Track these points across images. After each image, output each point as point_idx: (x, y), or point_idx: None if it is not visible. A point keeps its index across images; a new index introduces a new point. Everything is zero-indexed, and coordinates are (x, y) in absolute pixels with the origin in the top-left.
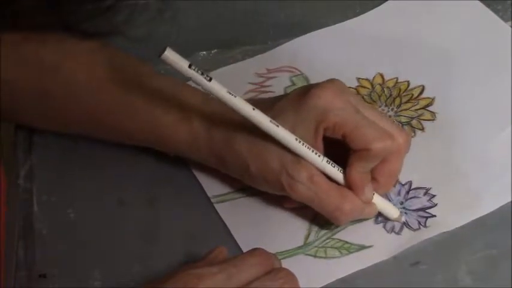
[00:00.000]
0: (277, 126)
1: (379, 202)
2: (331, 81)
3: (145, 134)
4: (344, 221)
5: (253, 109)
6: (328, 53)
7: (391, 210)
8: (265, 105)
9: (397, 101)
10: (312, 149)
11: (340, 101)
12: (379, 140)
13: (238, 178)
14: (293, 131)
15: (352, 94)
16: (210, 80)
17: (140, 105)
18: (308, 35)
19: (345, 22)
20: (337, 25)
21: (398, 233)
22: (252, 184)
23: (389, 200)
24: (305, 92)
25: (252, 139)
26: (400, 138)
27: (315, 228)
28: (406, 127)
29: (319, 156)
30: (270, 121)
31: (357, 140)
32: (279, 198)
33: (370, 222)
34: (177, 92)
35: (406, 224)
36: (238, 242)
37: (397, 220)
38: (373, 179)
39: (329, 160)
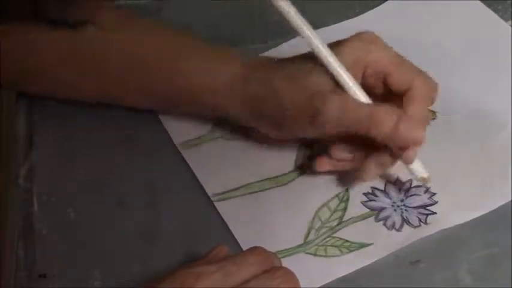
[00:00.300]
0: (327, 47)
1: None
2: None
3: (178, 84)
4: (375, 128)
5: (309, 28)
6: None
7: (420, 168)
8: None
9: None
10: (354, 80)
11: (381, 42)
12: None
13: (268, 125)
14: None
15: None
16: None
17: (178, 54)
18: None
19: (344, 22)
20: (336, 25)
21: (398, 230)
22: (281, 127)
23: (389, 198)
24: (341, 40)
25: (290, 76)
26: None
27: (315, 227)
28: None
29: (359, 89)
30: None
31: (402, 73)
32: (280, 195)
33: (371, 220)
34: (214, 45)
35: (406, 221)
36: (238, 240)
37: (424, 181)
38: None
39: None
